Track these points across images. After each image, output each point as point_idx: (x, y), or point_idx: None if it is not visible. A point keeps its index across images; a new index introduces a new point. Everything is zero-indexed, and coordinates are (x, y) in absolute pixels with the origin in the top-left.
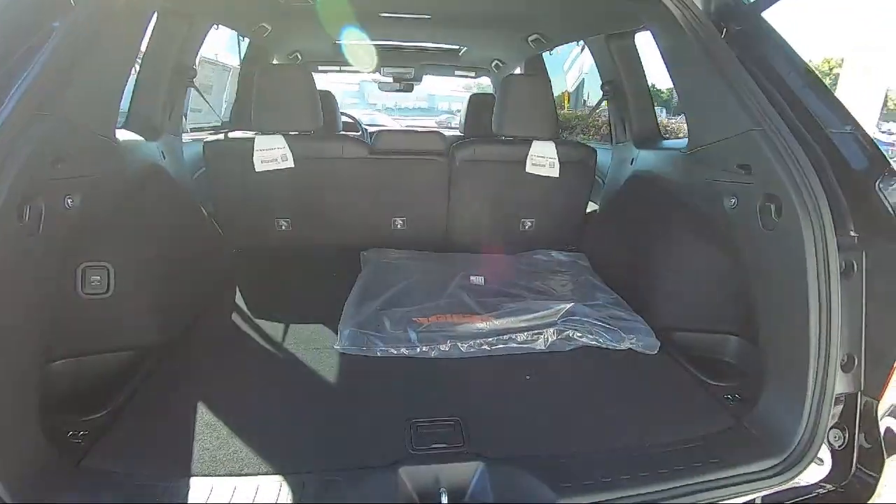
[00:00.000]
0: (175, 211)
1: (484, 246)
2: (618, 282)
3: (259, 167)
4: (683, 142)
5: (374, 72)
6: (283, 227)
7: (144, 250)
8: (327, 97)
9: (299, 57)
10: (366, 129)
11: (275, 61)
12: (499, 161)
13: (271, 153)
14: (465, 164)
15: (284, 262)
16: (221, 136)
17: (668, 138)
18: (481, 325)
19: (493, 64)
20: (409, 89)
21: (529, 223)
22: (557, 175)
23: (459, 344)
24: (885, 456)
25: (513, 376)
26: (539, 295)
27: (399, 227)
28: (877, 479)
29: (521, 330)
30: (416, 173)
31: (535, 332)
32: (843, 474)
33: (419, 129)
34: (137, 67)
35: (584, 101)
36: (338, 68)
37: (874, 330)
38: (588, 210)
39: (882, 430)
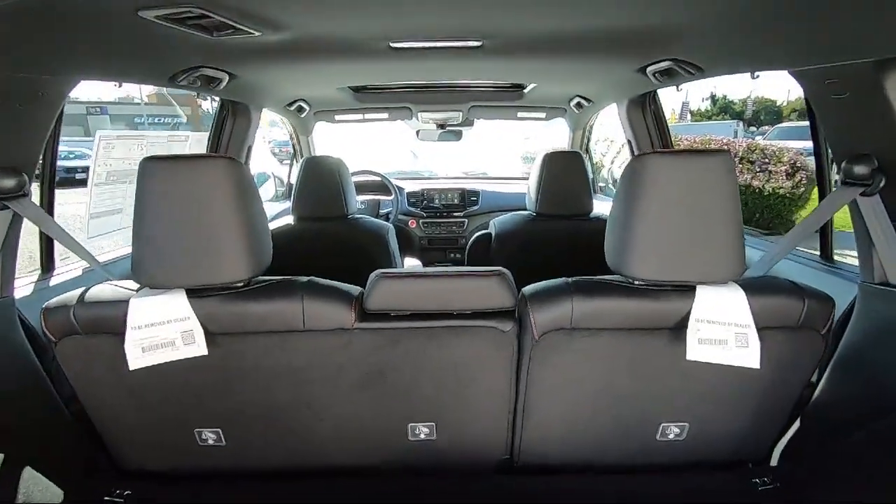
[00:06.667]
0: None
1: (580, 471)
2: None
3: (133, 364)
4: None
5: (409, 119)
6: (211, 441)
7: None
8: (334, 167)
9: (304, 107)
10: (399, 190)
11: (268, 122)
12: (620, 329)
13: (159, 330)
14: (551, 338)
15: None
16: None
17: None
18: None
19: (574, 103)
20: (457, 137)
21: (677, 429)
22: (758, 365)
23: None
24: None
25: None
26: None
27: (423, 437)
28: None
29: None
30: (454, 350)
31: None
32: None
33: (457, 270)
34: None
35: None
36: (360, 116)
37: None
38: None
39: None
